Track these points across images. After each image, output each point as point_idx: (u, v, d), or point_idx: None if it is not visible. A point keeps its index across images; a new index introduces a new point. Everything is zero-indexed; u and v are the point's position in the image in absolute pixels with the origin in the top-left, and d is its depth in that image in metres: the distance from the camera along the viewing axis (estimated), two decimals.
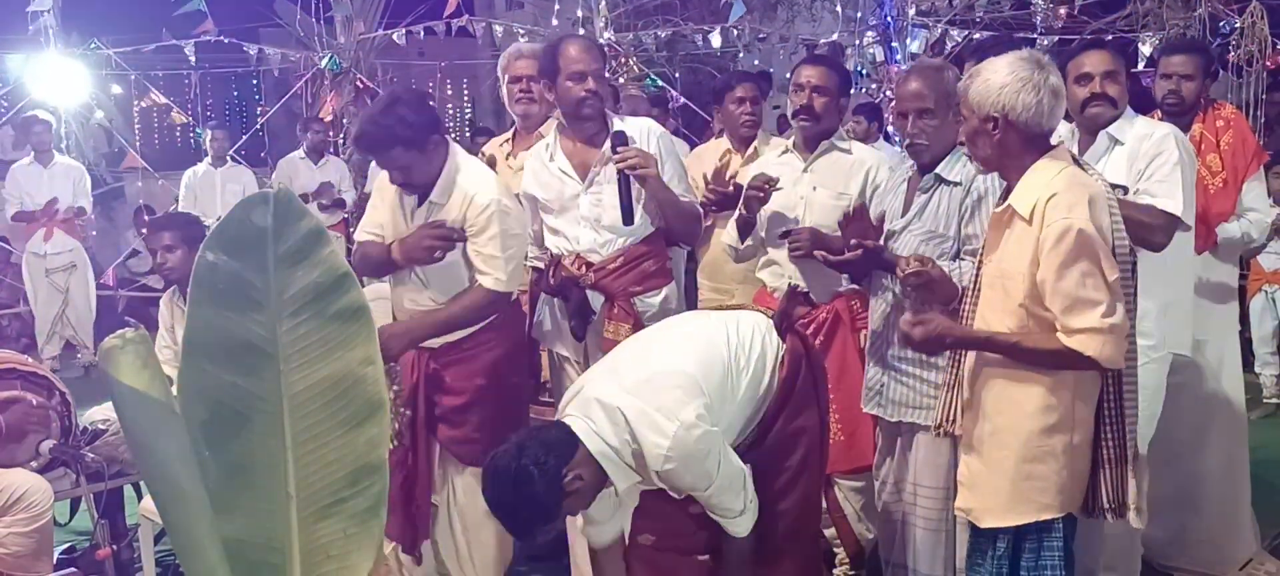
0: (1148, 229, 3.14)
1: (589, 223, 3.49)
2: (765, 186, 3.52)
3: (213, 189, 8.43)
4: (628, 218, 3.41)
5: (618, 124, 3.50)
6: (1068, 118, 3.38)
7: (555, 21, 9.96)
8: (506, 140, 4.23)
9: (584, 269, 3.48)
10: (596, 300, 3.49)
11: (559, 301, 3.56)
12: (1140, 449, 3.27)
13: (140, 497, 3.98)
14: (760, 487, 2.92)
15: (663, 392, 2.69)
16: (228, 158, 8.68)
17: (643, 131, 3.50)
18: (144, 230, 7.32)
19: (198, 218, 4.70)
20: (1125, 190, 3.23)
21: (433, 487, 3.56)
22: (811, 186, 3.66)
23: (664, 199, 3.44)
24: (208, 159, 8.57)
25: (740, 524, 2.81)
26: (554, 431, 2.73)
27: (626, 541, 3.04)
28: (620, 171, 3.37)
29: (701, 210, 3.79)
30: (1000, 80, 2.54)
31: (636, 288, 3.50)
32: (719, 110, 4.66)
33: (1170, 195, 3.19)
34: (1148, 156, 3.25)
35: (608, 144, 3.43)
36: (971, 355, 2.71)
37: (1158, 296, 3.30)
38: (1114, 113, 3.33)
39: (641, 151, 3.38)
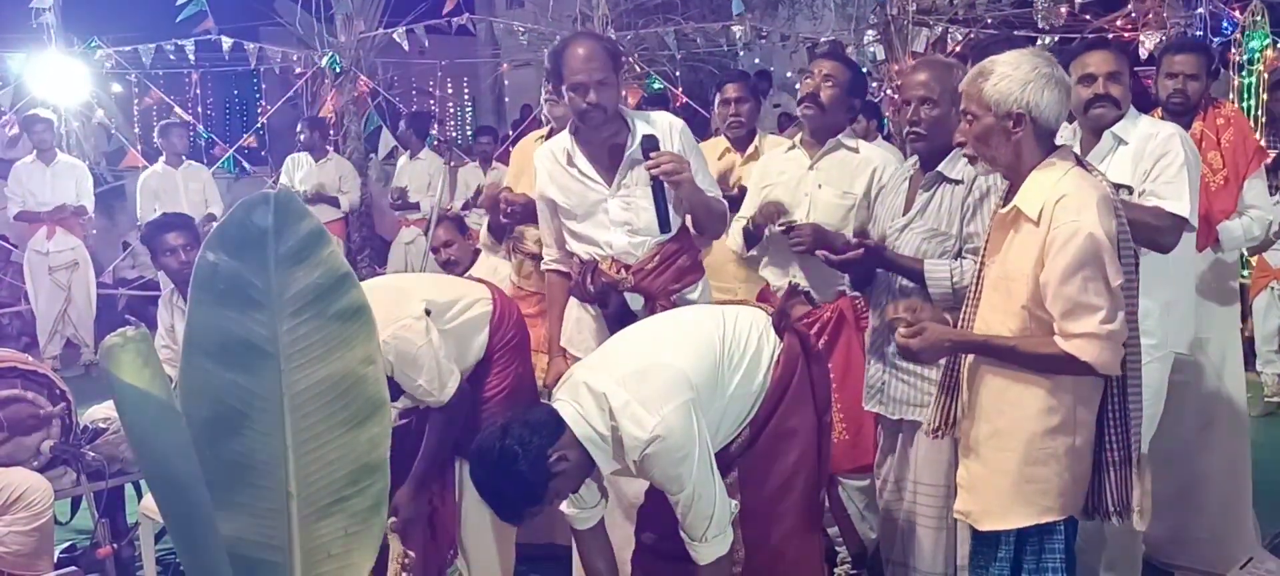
0: (1156, 231, 3.14)
1: (621, 227, 3.37)
2: (777, 216, 3.52)
3: (175, 189, 8.29)
4: (664, 226, 3.29)
5: (642, 126, 3.35)
6: (1069, 118, 3.38)
7: (551, 16, 9.95)
8: (540, 137, 4.20)
9: (623, 271, 3.38)
10: (635, 302, 3.39)
11: (595, 308, 3.46)
12: (1142, 448, 3.28)
13: (140, 496, 3.99)
14: (755, 490, 2.91)
15: (649, 385, 2.68)
16: (184, 157, 8.59)
17: (665, 127, 3.37)
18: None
19: (191, 217, 4.70)
20: (1130, 191, 3.22)
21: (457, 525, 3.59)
22: (816, 184, 3.66)
23: (696, 200, 3.34)
24: (163, 158, 8.46)
25: (700, 550, 2.77)
26: (540, 414, 2.74)
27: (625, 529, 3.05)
28: (654, 178, 3.25)
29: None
30: (1023, 76, 2.50)
31: (675, 285, 3.39)
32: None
33: (1177, 197, 3.18)
34: (1153, 157, 3.24)
35: (636, 146, 3.30)
36: (970, 357, 2.69)
37: (1160, 296, 3.29)
38: (1117, 113, 3.33)
39: (675, 156, 3.25)
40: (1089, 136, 3.39)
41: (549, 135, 4.08)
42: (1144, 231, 3.10)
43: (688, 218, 3.44)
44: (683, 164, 3.24)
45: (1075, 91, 3.28)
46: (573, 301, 3.53)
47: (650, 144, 3.26)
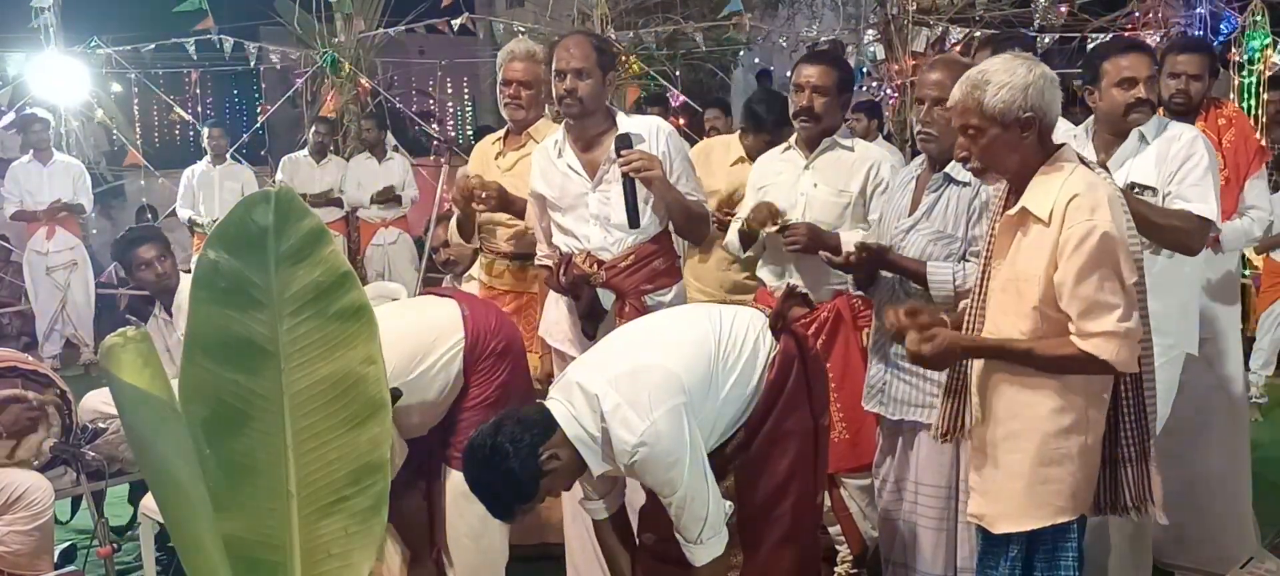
0: (1184, 233, 3.15)
1: (598, 221, 3.46)
2: (769, 218, 3.55)
3: (211, 187, 8.49)
4: (633, 221, 3.39)
5: (624, 123, 3.48)
6: (1072, 118, 3.37)
7: (549, 17, 9.96)
8: (498, 139, 4.23)
9: (595, 267, 3.45)
10: (607, 299, 3.46)
11: (569, 300, 3.54)
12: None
13: (141, 497, 3.98)
14: (750, 492, 2.91)
15: (641, 388, 2.68)
16: (227, 156, 8.71)
17: (651, 130, 3.46)
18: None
19: (158, 228, 4.71)
20: (1155, 192, 3.22)
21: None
22: (812, 183, 3.66)
23: (670, 199, 3.42)
24: (207, 157, 8.61)
25: (695, 552, 2.77)
26: (532, 411, 2.75)
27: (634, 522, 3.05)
28: (625, 175, 3.35)
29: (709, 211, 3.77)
30: (1022, 81, 2.48)
31: (647, 286, 3.47)
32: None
33: (1204, 199, 3.18)
34: (1178, 160, 3.23)
35: (613, 144, 3.41)
36: (979, 360, 2.68)
37: (1177, 296, 3.31)
38: (1151, 115, 3.32)
39: (645, 154, 3.35)
40: (1112, 137, 3.35)
41: (506, 137, 4.15)
42: (1172, 234, 3.12)
43: (670, 221, 3.51)
44: (653, 162, 3.34)
45: (1112, 95, 3.26)
46: (552, 293, 3.61)
47: (623, 142, 3.37)
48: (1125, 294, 2.44)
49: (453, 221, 4.24)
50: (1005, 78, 2.49)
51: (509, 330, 3.57)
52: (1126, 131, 3.33)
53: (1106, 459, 2.59)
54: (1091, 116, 3.47)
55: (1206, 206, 3.18)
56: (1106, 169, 3.16)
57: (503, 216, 4.01)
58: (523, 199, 3.81)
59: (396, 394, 3.17)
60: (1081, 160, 2.59)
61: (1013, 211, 2.59)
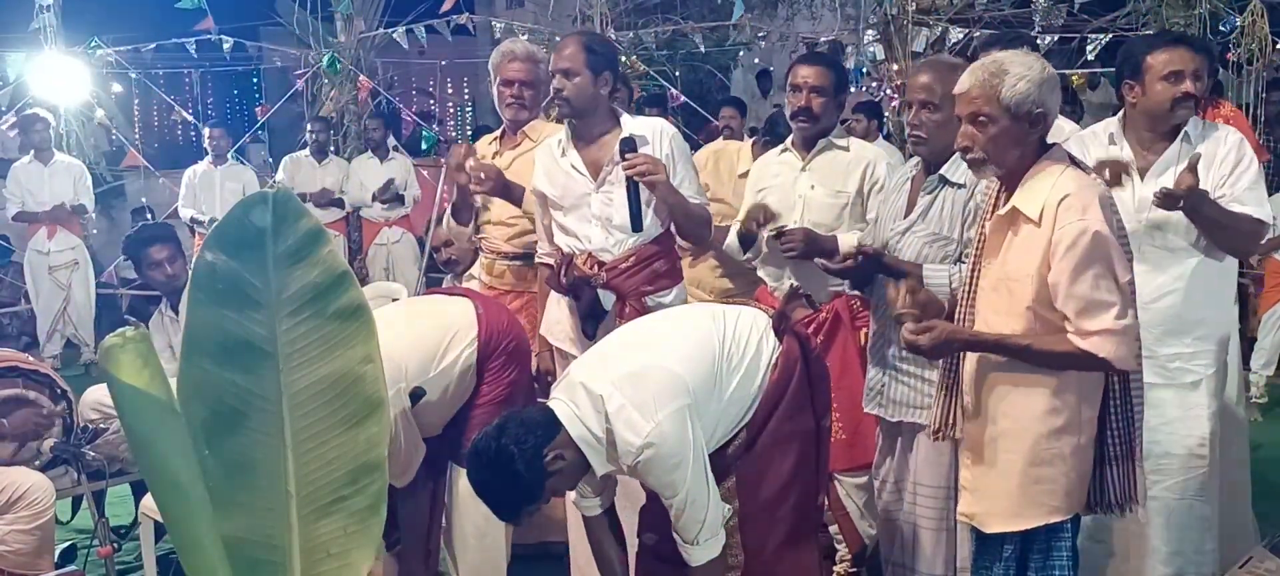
0: (1246, 236, 3.16)
1: (600, 222, 3.47)
2: (764, 218, 3.59)
3: (212, 187, 8.51)
4: (636, 224, 3.40)
5: (628, 125, 3.48)
6: (1075, 118, 3.35)
7: (551, 17, 9.95)
8: (495, 139, 4.24)
9: (596, 268, 3.46)
10: (608, 299, 3.47)
11: (570, 300, 3.55)
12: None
13: (140, 497, 3.99)
14: (752, 492, 2.91)
15: (645, 389, 2.68)
16: (228, 156, 8.72)
17: (655, 132, 3.47)
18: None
19: (172, 227, 4.71)
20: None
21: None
22: (809, 184, 3.67)
23: (674, 203, 3.42)
24: (208, 157, 8.62)
25: (693, 552, 2.77)
26: (536, 413, 2.74)
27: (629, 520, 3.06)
28: (629, 178, 3.36)
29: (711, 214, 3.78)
30: (1037, 77, 2.48)
31: (648, 287, 3.48)
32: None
33: (1259, 203, 3.18)
34: (1229, 163, 3.20)
35: (618, 146, 3.41)
36: (972, 359, 2.68)
37: (1231, 299, 3.35)
38: (1195, 111, 3.28)
39: (649, 158, 3.35)
40: (1150, 134, 3.29)
41: (502, 136, 4.16)
42: (1235, 237, 3.14)
43: (672, 224, 3.52)
44: (658, 166, 3.34)
45: (1157, 89, 3.20)
46: (553, 293, 3.62)
47: (628, 145, 3.37)
48: (1121, 291, 2.44)
49: (448, 209, 4.26)
50: (1023, 71, 2.49)
51: (518, 329, 3.60)
52: (1169, 127, 3.27)
53: (1094, 457, 2.60)
54: (1120, 112, 3.44)
55: (1262, 210, 3.18)
56: (1136, 171, 3.17)
57: (503, 215, 4.02)
58: (521, 186, 3.83)
59: (420, 393, 3.20)
60: (1072, 161, 2.59)
61: (1003, 211, 2.59)
